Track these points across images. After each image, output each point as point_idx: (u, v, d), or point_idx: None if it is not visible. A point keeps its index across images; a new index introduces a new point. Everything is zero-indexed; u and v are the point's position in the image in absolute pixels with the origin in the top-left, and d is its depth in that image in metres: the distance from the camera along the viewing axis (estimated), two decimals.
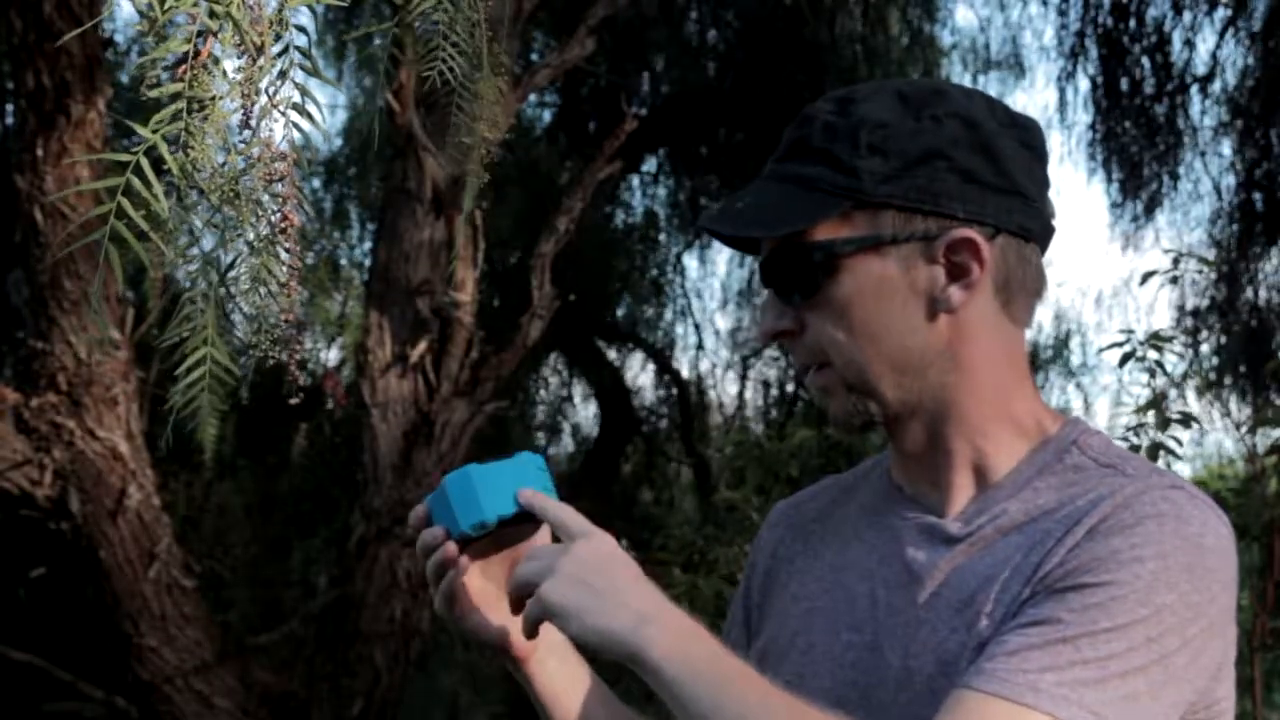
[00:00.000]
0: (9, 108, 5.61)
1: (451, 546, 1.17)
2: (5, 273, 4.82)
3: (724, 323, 18.50)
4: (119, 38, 6.17)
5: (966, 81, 7.86)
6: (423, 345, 4.73)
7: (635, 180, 8.55)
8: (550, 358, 8.59)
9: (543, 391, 9.01)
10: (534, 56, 7.02)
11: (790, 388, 8.84)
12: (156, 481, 4.41)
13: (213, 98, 0.89)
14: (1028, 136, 1.14)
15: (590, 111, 7.94)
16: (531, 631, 1.11)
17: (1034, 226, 1.13)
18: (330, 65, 7.43)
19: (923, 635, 1.09)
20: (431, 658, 5.30)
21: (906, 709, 1.06)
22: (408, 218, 4.88)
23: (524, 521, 1.17)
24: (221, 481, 5.97)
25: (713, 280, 13.74)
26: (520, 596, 1.11)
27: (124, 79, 6.08)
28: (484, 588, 1.22)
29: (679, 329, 9.16)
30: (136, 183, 0.86)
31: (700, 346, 9.21)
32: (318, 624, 5.06)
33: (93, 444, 4.13)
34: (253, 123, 0.91)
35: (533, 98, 7.35)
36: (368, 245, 7.65)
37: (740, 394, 9.26)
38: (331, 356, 8.01)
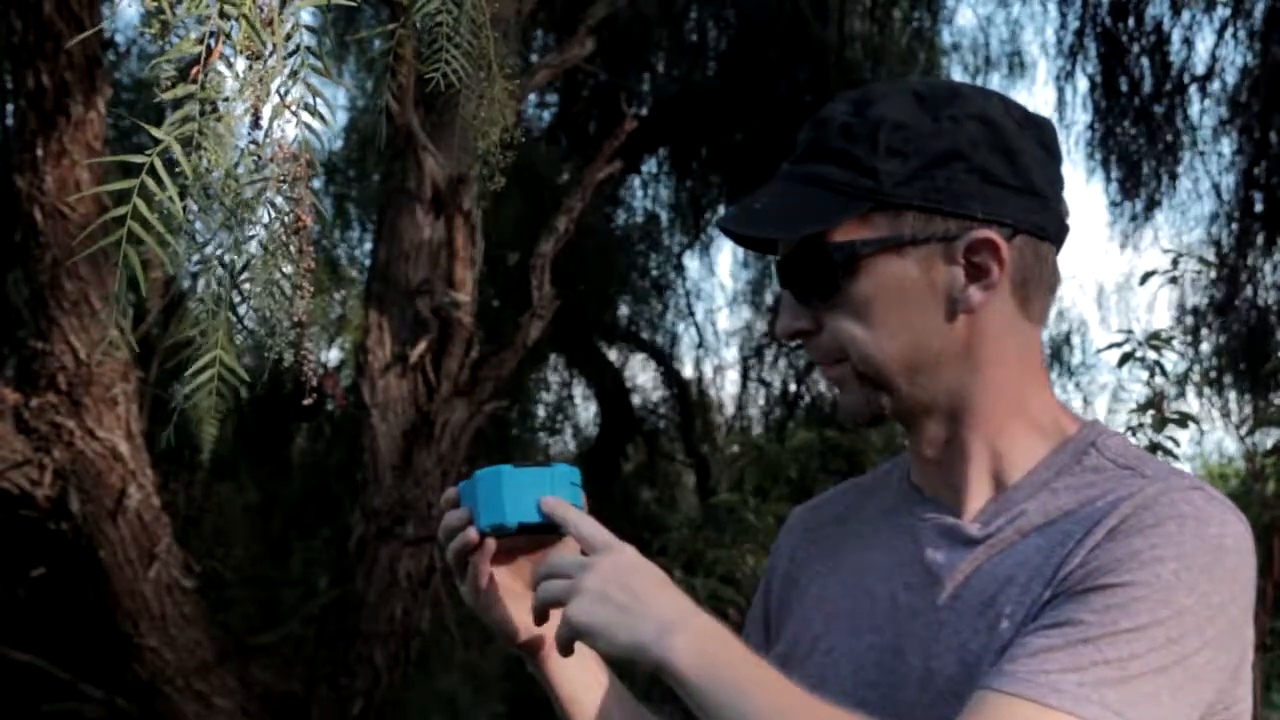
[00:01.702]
0: (9, 108, 5.61)
1: (471, 532, 1.18)
2: (5, 273, 4.81)
3: (725, 323, 18.49)
4: (119, 38, 6.18)
5: (967, 81, 7.85)
6: (423, 345, 4.73)
7: (635, 180, 8.55)
8: (550, 358, 8.58)
9: (543, 391, 9.00)
10: (534, 57, 7.02)
11: (792, 387, 8.84)
12: (156, 481, 4.42)
13: (225, 99, 0.89)
14: (1043, 136, 1.14)
15: (590, 112, 7.94)
16: (566, 650, 1.12)
17: (1050, 226, 1.13)
18: (331, 65, 7.42)
19: (944, 637, 1.09)
20: (431, 658, 5.30)
21: (929, 711, 1.07)
22: (408, 218, 4.88)
23: (548, 530, 1.17)
24: (221, 481, 5.96)
25: (714, 280, 13.77)
26: (544, 609, 1.12)
27: (124, 79, 6.08)
28: (510, 583, 1.23)
29: (679, 329, 9.16)
30: (151, 184, 0.86)
31: (701, 346, 9.21)
32: (318, 624, 5.06)
33: (93, 444, 4.13)
34: (263, 123, 0.91)
35: (532, 98, 7.35)
36: (368, 245, 7.65)
37: (741, 394, 9.26)
38: (332, 356, 8.02)
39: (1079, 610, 1.01)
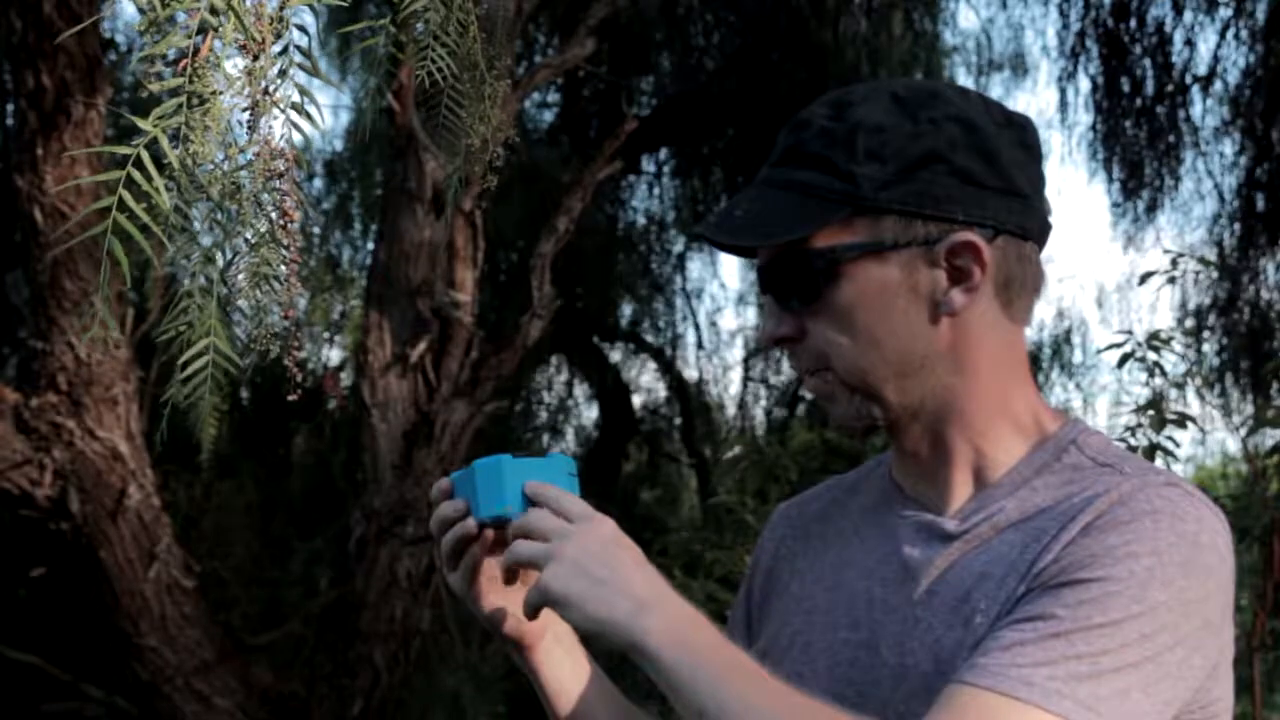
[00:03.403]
0: (9, 108, 5.62)
1: (470, 522, 1.17)
2: (5, 273, 4.82)
3: (725, 323, 18.49)
4: (119, 38, 6.18)
5: (967, 82, 7.86)
6: (423, 345, 4.73)
7: (636, 180, 8.55)
8: (551, 358, 8.59)
9: (544, 392, 9.01)
10: (535, 57, 7.02)
11: (792, 387, 8.84)
12: (156, 481, 4.41)
13: (213, 93, 0.89)
14: (1023, 135, 1.14)
15: (591, 112, 7.94)
16: (531, 614, 1.11)
17: (1032, 226, 1.13)
18: (333, 66, 7.43)
19: (919, 633, 1.09)
20: (431, 658, 5.29)
21: (903, 707, 1.06)
22: (408, 218, 4.88)
23: None
24: (221, 481, 5.96)
25: (714, 281, 13.76)
26: (514, 568, 1.12)
27: (124, 79, 6.08)
28: (501, 574, 1.23)
29: (681, 329, 9.16)
30: (138, 176, 0.86)
31: (701, 347, 9.21)
32: (318, 624, 5.06)
33: (93, 444, 4.13)
34: (252, 118, 0.91)
35: (534, 98, 7.35)
36: (368, 245, 7.65)
37: (742, 395, 9.26)
38: (332, 356, 8.02)
39: (1052, 604, 1.01)
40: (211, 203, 0.90)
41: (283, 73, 0.90)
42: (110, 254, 0.84)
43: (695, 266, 9.08)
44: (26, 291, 4.25)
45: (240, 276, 0.92)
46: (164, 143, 0.85)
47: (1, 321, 5.59)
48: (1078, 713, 0.97)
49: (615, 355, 9.04)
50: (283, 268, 0.91)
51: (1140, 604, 0.99)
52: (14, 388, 4.25)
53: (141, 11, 0.88)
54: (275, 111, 0.89)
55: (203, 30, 0.88)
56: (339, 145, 7.91)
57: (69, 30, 3.85)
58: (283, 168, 0.89)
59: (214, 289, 0.92)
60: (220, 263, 0.93)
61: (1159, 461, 3.36)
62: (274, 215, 0.90)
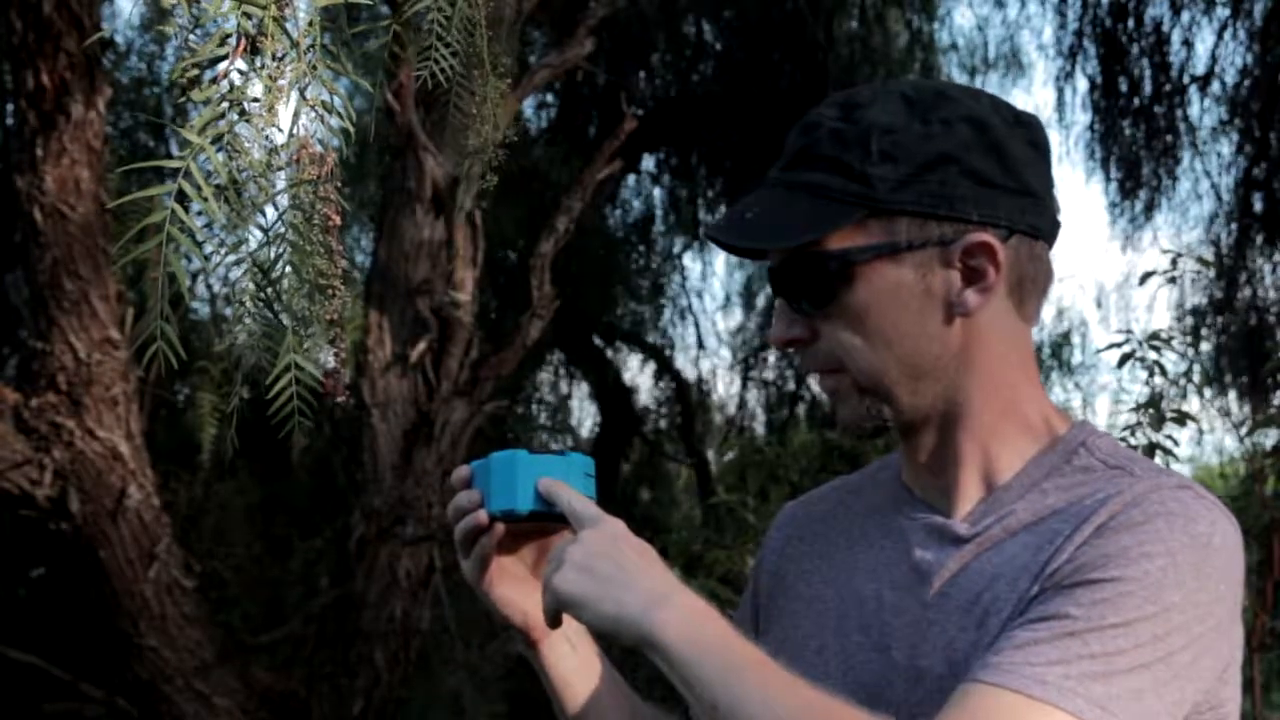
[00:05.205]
0: (9, 108, 5.61)
1: (481, 514, 1.18)
2: (5, 273, 4.81)
3: (725, 323, 18.47)
4: (119, 38, 6.18)
5: (965, 81, 7.85)
6: (423, 345, 4.73)
7: (635, 180, 8.55)
8: (550, 358, 8.59)
9: (543, 391, 9.00)
10: (533, 57, 7.02)
11: (791, 387, 8.84)
12: (156, 481, 4.41)
13: (254, 100, 0.89)
14: (1032, 134, 1.14)
15: (590, 112, 7.94)
16: (553, 622, 1.12)
17: (1043, 224, 1.13)
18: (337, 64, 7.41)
19: (932, 635, 1.09)
20: (431, 657, 5.29)
21: (916, 709, 1.07)
22: (408, 218, 4.88)
23: (558, 519, 1.17)
24: (221, 481, 5.95)
25: (713, 280, 13.76)
26: (556, 612, 1.12)
27: (123, 80, 6.08)
28: (512, 566, 1.24)
29: (679, 329, 9.16)
30: (188, 188, 0.86)
31: (701, 346, 9.21)
32: (318, 624, 5.06)
33: (93, 444, 4.13)
34: (285, 122, 0.91)
35: (532, 98, 7.35)
36: (368, 245, 7.65)
37: (741, 394, 9.26)
38: (332, 357, 8.00)
39: (1066, 604, 1.01)
40: (254, 209, 0.90)
41: (313, 67, 0.89)
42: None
43: (694, 266, 9.09)
44: (26, 291, 4.24)
45: (288, 283, 0.92)
46: (212, 155, 0.85)
47: (1, 321, 5.58)
48: (1091, 711, 0.97)
49: (615, 355, 9.04)
50: (330, 270, 0.91)
51: (1154, 605, 1.00)
52: (14, 388, 4.24)
53: (165, 14, 0.88)
54: (306, 113, 0.89)
55: (235, 35, 0.87)
56: (338, 144, 7.90)
57: (69, 31, 3.85)
58: (324, 170, 0.88)
59: (267, 298, 0.92)
60: (268, 269, 0.93)
61: (1158, 460, 3.36)
62: (317, 220, 0.90)
